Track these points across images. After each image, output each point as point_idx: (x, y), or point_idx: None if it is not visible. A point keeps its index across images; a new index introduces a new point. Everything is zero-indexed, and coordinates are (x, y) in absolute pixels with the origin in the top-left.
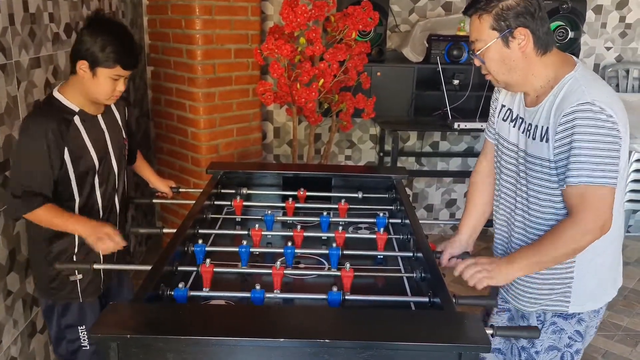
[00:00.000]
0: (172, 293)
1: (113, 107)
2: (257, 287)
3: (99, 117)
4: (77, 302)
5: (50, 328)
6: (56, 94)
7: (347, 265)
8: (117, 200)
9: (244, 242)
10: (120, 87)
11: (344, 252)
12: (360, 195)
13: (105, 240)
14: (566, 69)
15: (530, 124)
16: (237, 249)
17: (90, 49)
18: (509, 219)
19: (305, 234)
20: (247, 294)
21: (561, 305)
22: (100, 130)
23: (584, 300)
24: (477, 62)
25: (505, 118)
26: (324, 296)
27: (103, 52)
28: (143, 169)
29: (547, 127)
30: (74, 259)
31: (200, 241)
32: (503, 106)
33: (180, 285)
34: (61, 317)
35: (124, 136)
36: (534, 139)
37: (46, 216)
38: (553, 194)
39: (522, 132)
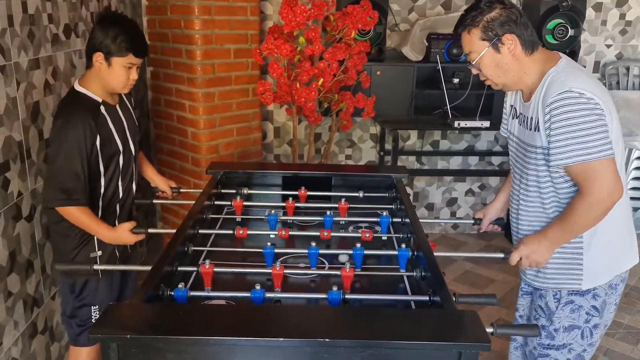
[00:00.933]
0: (172, 293)
1: (124, 97)
2: (257, 287)
3: (117, 107)
4: (95, 280)
5: (64, 306)
6: (79, 87)
7: (347, 265)
8: (133, 186)
9: (269, 244)
10: (134, 75)
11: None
12: (361, 194)
13: (129, 240)
14: (550, 64)
15: (526, 117)
16: (236, 249)
17: (104, 41)
18: (516, 209)
19: (304, 232)
20: (247, 294)
21: (575, 283)
22: (120, 120)
23: (596, 276)
24: (474, 71)
25: (512, 116)
26: (324, 295)
27: (115, 43)
28: (145, 167)
29: (538, 118)
30: (95, 241)
31: (180, 285)
32: (511, 106)
33: (180, 285)
34: (77, 296)
35: (136, 122)
36: (529, 129)
37: (76, 214)
38: (553, 177)
39: (522, 126)
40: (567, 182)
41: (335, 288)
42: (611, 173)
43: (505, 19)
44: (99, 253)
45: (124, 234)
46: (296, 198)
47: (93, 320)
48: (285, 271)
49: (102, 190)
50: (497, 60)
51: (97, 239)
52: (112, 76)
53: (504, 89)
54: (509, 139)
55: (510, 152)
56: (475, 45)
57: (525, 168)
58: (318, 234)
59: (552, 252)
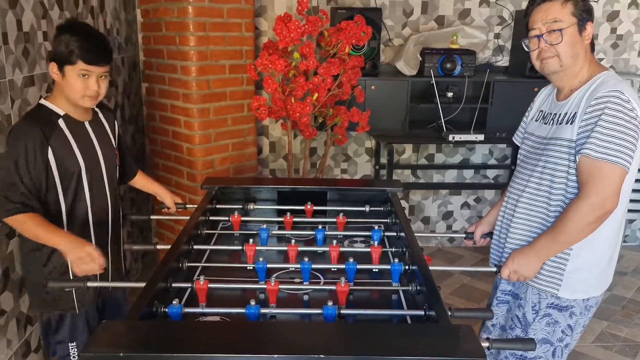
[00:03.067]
0: (167, 310)
1: (101, 116)
2: (252, 302)
3: (86, 124)
4: (70, 314)
5: (45, 343)
6: (42, 101)
7: (342, 279)
8: (109, 212)
9: (261, 259)
10: (93, 84)
11: (338, 265)
12: (367, 209)
13: (86, 260)
14: (601, 70)
15: (557, 114)
16: (233, 265)
17: (57, 50)
18: (513, 207)
19: (301, 248)
20: (242, 310)
21: (553, 286)
22: (87, 137)
23: (575, 288)
24: (542, 44)
25: (537, 119)
26: (319, 311)
27: (66, 50)
28: (148, 183)
29: (575, 112)
30: (70, 271)
31: (174, 302)
32: (539, 110)
33: (175, 302)
34: (54, 333)
35: (114, 146)
36: (559, 124)
37: (28, 224)
38: (569, 172)
39: (548, 124)
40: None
41: (330, 303)
42: (615, 183)
43: (591, 9)
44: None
45: (87, 250)
46: (302, 213)
47: (71, 358)
48: (280, 286)
49: (64, 208)
50: (576, 41)
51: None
52: (67, 86)
53: (555, 77)
54: (524, 142)
55: (521, 154)
56: (565, 15)
57: (538, 163)
58: (327, 249)
59: (540, 266)
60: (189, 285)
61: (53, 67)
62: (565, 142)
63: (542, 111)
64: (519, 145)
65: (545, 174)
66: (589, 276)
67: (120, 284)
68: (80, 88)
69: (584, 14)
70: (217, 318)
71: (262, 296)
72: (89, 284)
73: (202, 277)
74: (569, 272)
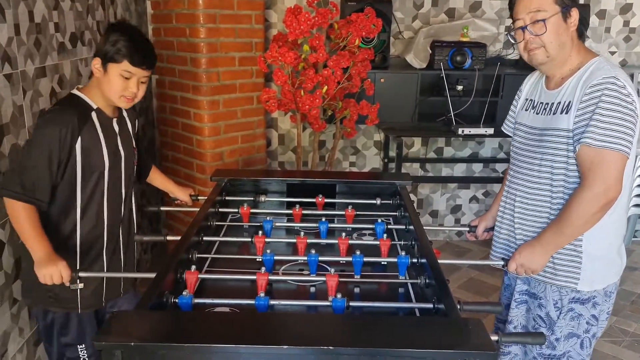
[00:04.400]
0: (177, 300)
1: (125, 115)
2: (261, 294)
3: (114, 121)
4: (75, 314)
5: (49, 348)
6: (75, 91)
7: (332, 270)
8: (122, 209)
9: (268, 251)
10: (133, 87)
11: (345, 258)
12: (378, 201)
13: (55, 278)
14: (593, 56)
15: (549, 104)
16: (242, 256)
17: (104, 47)
18: (515, 195)
19: (310, 240)
20: (252, 301)
21: (572, 281)
22: (114, 135)
23: (593, 279)
24: (527, 36)
25: (526, 108)
26: (328, 303)
27: (113, 48)
28: (161, 180)
29: (570, 101)
30: (77, 261)
31: (185, 292)
32: (526, 99)
33: (185, 292)
34: (60, 335)
35: (134, 145)
36: (554, 114)
37: (21, 216)
38: (568, 162)
39: (540, 114)
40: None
41: (339, 295)
42: (617, 170)
43: None
44: (80, 286)
45: (59, 267)
46: (311, 205)
47: None
48: (287, 278)
49: (79, 204)
50: (561, 29)
51: (78, 269)
52: (107, 83)
53: (544, 66)
54: (516, 132)
55: (514, 146)
56: (547, 4)
57: (536, 155)
58: (336, 241)
59: (547, 259)
60: (200, 276)
61: (96, 62)
62: (562, 132)
63: (531, 100)
64: (510, 135)
65: (544, 166)
66: (604, 264)
67: (130, 275)
68: (119, 88)
69: (568, 0)
70: (226, 309)
71: (271, 287)
72: (82, 274)
73: (192, 267)
74: (585, 265)
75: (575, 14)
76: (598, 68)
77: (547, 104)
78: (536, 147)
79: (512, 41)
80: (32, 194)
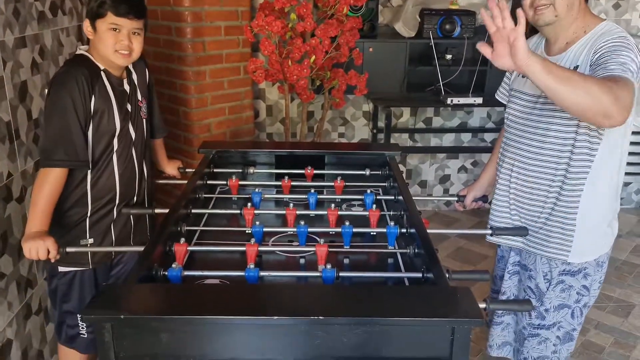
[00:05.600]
0: (166, 273)
1: (134, 77)
2: (251, 266)
3: (124, 82)
4: (78, 281)
5: (53, 312)
6: (82, 51)
7: (321, 240)
8: (136, 177)
9: (257, 223)
10: (124, 39)
11: (335, 229)
12: (367, 172)
13: (41, 253)
14: (599, 21)
15: None
16: (231, 228)
17: (89, 6)
18: (512, 165)
19: (299, 212)
20: (241, 273)
21: (562, 253)
22: (124, 95)
23: (583, 251)
24: None
25: (523, 75)
26: (318, 273)
27: (97, 3)
28: (157, 149)
29: (577, 65)
30: (87, 223)
31: (174, 265)
32: None
33: (174, 265)
34: (62, 302)
35: (139, 98)
36: None
37: (52, 184)
38: (578, 132)
39: None
40: (588, 149)
41: (329, 266)
42: (631, 96)
43: None
44: (90, 241)
45: (46, 243)
46: (300, 177)
47: (80, 328)
48: (276, 249)
49: (89, 175)
50: None
51: (90, 223)
52: (100, 42)
53: (548, 29)
54: (512, 100)
55: (511, 114)
56: None
57: (540, 125)
58: (325, 212)
59: (521, 58)
60: (188, 248)
61: (87, 24)
62: None
63: None
64: (505, 103)
65: (549, 137)
66: (595, 237)
67: (117, 249)
68: (111, 42)
69: None
70: (216, 281)
71: (260, 259)
72: (68, 249)
73: (182, 240)
74: (577, 237)
75: None
76: (607, 30)
77: None
78: (536, 115)
79: None
80: (77, 157)
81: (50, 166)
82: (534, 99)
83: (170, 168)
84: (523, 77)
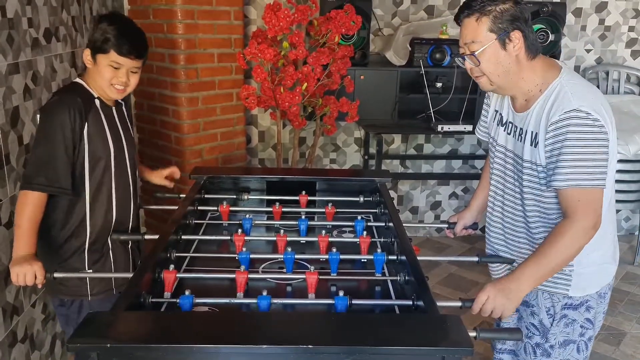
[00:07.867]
0: (178, 300)
1: (123, 105)
2: (264, 292)
3: (113, 109)
4: (88, 303)
5: (67, 329)
6: (77, 80)
7: (312, 267)
8: (131, 200)
9: (244, 249)
10: (122, 77)
11: (323, 256)
12: (361, 199)
13: (28, 278)
14: (553, 74)
15: (521, 129)
16: (221, 255)
17: (93, 37)
18: (501, 215)
19: (290, 238)
20: (231, 300)
21: (563, 287)
22: (115, 122)
23: (585, 285)
24: (468, 65)
25: (497, 122)
26: (331, 301)
27: (101, 38)
28: (140, 169)
29: (537, 133)
30: (86, 255)
31: (187, 292)
32: (495, 111)
33: (187, 292)
34: (77, 316)
35: (133, 136)
36: (524, 142)
37: (32, 208)
38: (542, 196)
39: (512, 136)
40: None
41: (341, 293)
42: (598, 204)
43: (517, 14)
44: (90, 272)
45: (34, 268)
46: (291, 203)
47: None
48: (266, 276)
49: (88, 195)
50: (500, 57)
51: (88, 254)
52: (97, 74)
53: (496, 92)
54: (493, 146)
55: (493, 160)
56: (480, 35)
57: (515, 180)
58: (316, 239)
59: (520, 300)
60: (179, 275)
61: (86, 54)
62: (534, 166)
63: (500, 114)
64: (484, 139)
65: (527, 194)
66: (597, 270)
67: (107, 275)
68: (108, 77)
69: (505, 25)
70: (205, 308)
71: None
72: (56, 275)
73: (171, 266)
74: (576, 273)
75: (516, 36)
76: (558, 96)
77: (517, 127)
78: (516, 171)
79: (462, 66)
80: (58, 184)
81: (28, 189)
82: (507, 153)
83: (156, 177)
84: (498, 125)
